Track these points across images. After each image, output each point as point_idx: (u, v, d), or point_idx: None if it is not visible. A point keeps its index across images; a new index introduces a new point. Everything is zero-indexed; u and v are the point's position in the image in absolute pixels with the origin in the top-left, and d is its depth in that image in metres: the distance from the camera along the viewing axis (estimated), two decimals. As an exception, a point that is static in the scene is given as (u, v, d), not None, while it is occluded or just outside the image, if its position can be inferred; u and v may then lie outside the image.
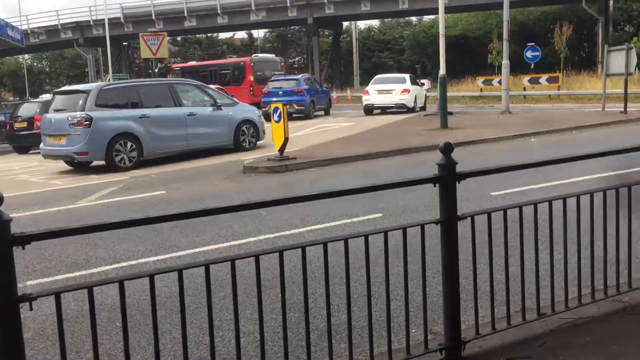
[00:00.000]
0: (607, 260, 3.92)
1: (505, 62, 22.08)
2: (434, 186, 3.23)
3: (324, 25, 54.16)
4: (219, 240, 6.46)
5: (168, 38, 29.33)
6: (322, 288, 3.11)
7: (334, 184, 9.65)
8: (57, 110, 13.31)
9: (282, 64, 41.99)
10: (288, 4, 47.05)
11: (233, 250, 6.08)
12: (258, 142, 15.57)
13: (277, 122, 11.61)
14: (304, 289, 2.98)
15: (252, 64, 38.74)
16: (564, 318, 3.72)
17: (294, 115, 24.02)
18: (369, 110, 26.35)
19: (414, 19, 72.84)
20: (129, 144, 12.96)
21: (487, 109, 26.66)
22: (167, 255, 6.02)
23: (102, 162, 13.10)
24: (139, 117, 13.14)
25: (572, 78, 35.34)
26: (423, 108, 27.37)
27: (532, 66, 32.50)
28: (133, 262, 5.87)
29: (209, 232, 6.80)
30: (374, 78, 28.68)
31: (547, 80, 32.16)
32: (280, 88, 26.44)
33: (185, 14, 49.07)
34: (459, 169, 3.28)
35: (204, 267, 2.75)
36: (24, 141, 20.61)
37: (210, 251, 6.05)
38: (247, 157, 13.31)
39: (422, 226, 3.26)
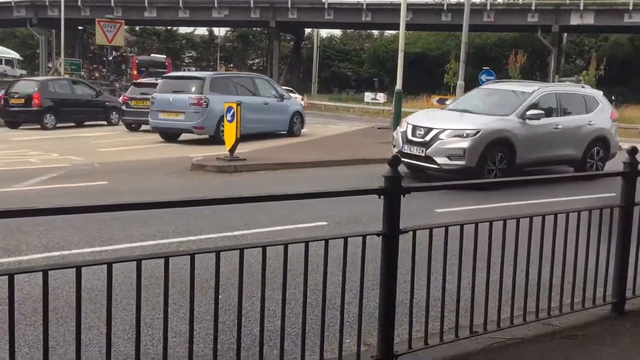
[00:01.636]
0: (540, 283, 4.00)
1: (460, 83, 22.52)
2: (379, 198, 3.22)
3: (287, 29, 54.20)
4: (158, 237, 6.30)
5: (126, 27, 28.70)
6: (261, 292, 3.04)
7: (282, 189, 9.59)
8: (174, 92, 15.92)
9: (167, 62, 41.81)
10: (251, 5, 46.85)
11: (172, 247, 5.94)
12: (302, 130, 19.13)
13: (230, 121, 11.48)
14: (239, 292, 2.91)
15: (137, 61, 40.50)
16: (495, 337, 3.77)
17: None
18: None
19: (375, 32, 73.76)
20: None
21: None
22: (103, 248, 5.83)
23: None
24: (238, 102, 14.56)
25: (522, 104, 36.34)
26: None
27: (485, 89, 33.26)
28: (66, 252, 5.67)
29: (149, 227, 6.63)
30: None
31: (498, 104, 32.98)
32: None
33: (146, 4, 48.19)
34: (404, 182, 3.28)
35: (135, 262, 2.63)
36: (18, 117, 20.92)
37: (149, 246, 5.90)
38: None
39: (364, 237, 3.24)
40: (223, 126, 14.42)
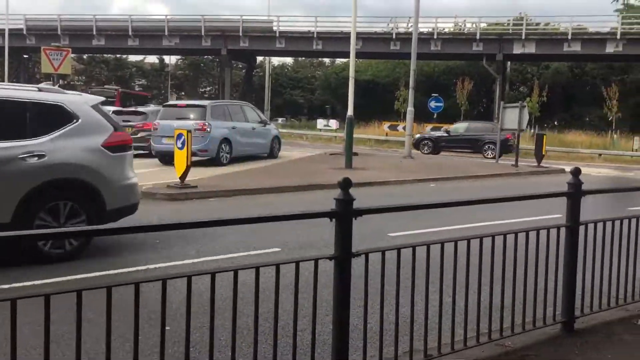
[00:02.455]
0: (492, 304, 4.02)
1: (410, 109, 22.95)
2: (330, 221, 3.18)
3: (238, 57, 54.25)
4: (103, 268, 6.08)
5: (73, 55, 28.15)
6: (210, 321, 2.94)
7: (233, 215, 9.46)
8: (178, 119, 17.36)
9: (117, 92, 41.29)
10: (202, 33, 46.76)
11: (120, 278, 5.73)
12: (279, 153, 21.26)
13: (181, 149, 11.31)
14: (187, 322, 2.80)
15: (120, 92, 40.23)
16: (449, 361, 3.75)
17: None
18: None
19: (326, 60, 74.74)
20: (227, 146, 17.81)
21: (390, 153, 27.49)
22: (44, 281, 5.57)
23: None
24: (232, 128, 18.19)
25: (470, 130, 37.28)
26: None
27: (435, 116, 34.01)
28: None
29: (93, 258, 6.40)
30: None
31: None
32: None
33: (94, 32, 47.48)
34: (359, 207, 3.25)
35: (75, 293, 2.50)
36: None
37: (93, 278, 5.68)
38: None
39: (316, 261, 3.19)
40: (222, 149, 17.55)
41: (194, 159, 16.55)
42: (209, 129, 17.20)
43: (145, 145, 18.92)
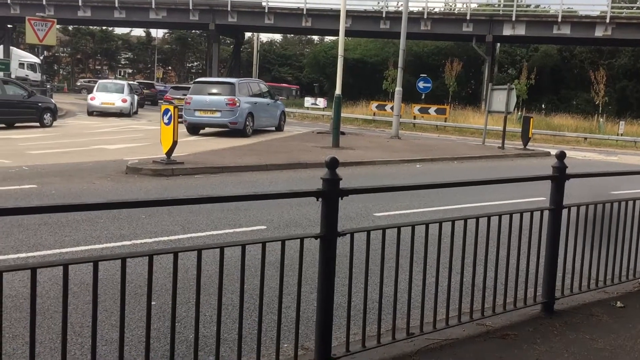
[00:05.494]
0: (474, 284, 4.08)
1: (398, 89, 22.91)
2: (317, 200, 3.20)
3: (226, 32, 53.67)
4: (90, 242, 6.07)
5: (58, 26, 27.70)
6: (195, 297, 2.96)
7: (220, 192, 9.46)
8: (210, 94, 19.44)
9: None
10: (190, 7, 46.12)
11: (105, 252, 5.74)
12: (285, 128, 23.49)
13: (167, 124, 11.23)
14: (173, 297, 2.82)
15: None
16: (431, 339, 3.82)
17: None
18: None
19: (315, 38, 74.22)
20: (251, 120, 19.72)
21: (378, 133, 27.51)
22: (30, 254, 5.56)
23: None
24: (254, 103, 20.24)
25: (458, 112, 37.40)
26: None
27: (423, 96, 34.00)
28: (-11, 259, 5.37)
29: (81, 231, 6.40)
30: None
31: (435, 111, 33.77)
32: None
33: (80, 3, 46.61)
34: (345, 187, 3.27)
35: (62, 267, 2.50)
36: None
37: (80, 252, 5.68)
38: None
39: (302, 240, 3.22)
40: (248, 122, 19.51)
41: (220, 130, 20.07)
42: (238, 104, 19.04)
43: None
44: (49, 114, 21.39)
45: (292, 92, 47.43)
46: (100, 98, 28.30)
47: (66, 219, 6.69)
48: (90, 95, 29.29)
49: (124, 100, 28.55)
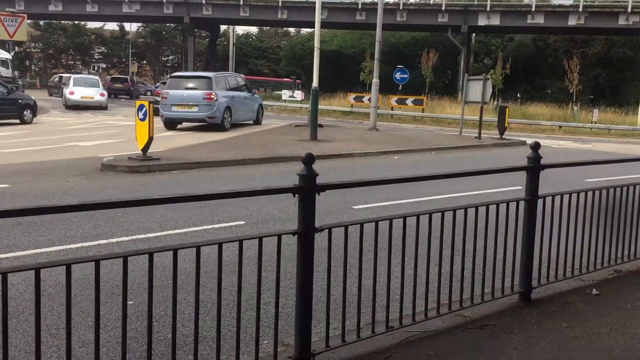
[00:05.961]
0: (452, 276, 4.10)
1: (375, 81, 22.94)
2: (294, 196, 3.18)
3: (201, 26, 53.26)
4: (65, 241, 5.98)
5: (29, 21, 27.23)
6: (179, 296, 2.93)
7: (197, 189, 9.39)
8: (186, 89, 19.33)
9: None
10: (164, 0, 45.62)
11: (81, 252, 5.66)
12: (263, 121, 23.51)
13: (142, 120, 11.10)
14: (149, 296, 2.79)
15: None
16: (410, 331, 3.83)
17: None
18: None
19: (292, 30, 73.95)
20: (229, 113, 19.75)
21: (356, 124, 27.53)
22: (3, 255, 5.46)
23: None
24: (232, 97, 20.23)
25: (435, 102, 37.61)
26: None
27: (400, 87, 34.10)
28: (-38, 262, 5.27)
29: (56, 231, 6.30)
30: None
31: (413, 102, 33.91)
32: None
33: (51, -3, 45.91)
34: (323, 180, 3.26)
35: (33, 270, 2.45)
36: None
37: (55, 252, 5.59)
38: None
39: (279, 236, 3.20)
40: (226, 116, 19.41)
41: (198, 125, 19.92)
42: (216, 98, 19.03)
43: None
44: (29, 111, 21.49)
45: (296, 85, 46.40)
46: (79, 92, 29.67)
47: (40, 219, 6.58)
48: (68, 90, 30.11)
49: (102, 95, 30.69)
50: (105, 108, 30.15)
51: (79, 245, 5.88)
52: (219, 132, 18.86)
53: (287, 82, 53.60)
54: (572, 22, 41.41)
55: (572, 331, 4.02)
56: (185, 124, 20.63)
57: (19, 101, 21.48)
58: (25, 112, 21.31)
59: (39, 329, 2.47)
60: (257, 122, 22.83)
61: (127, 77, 53.81)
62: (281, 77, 61.47)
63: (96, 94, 30.22)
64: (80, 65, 79.33)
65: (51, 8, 47.07)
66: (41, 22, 68.05)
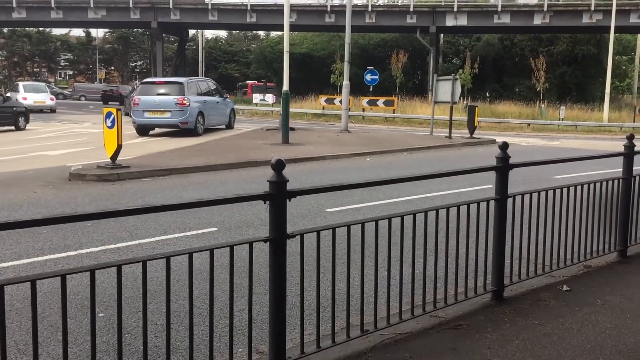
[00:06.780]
0: (426, 277, 4.12)
1: (345, 83, 22.99)
2: (264, 203, 3.16)
3: (169, 30, 52.75)
4: (33, 254, 5.85)
5: (-8, 28, 26.68)
6: (151, 307, 2.88)
7: (168, 196, 9.28)
8: (158, 94, 19.30)
9: None
10: (131, 5, 45.07)
11: (49, 264, 5.54)
12: (235, 125, 23.65)
13: (110, 127, 10.93)
14: (118, 309, 2.74)
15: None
16: (385, 334, 3.83)
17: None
18: None
19: (261, 33, 73.70)
20: (202, 118, 19.78)
21: (327, 127, 27.56)
22: (-32, 271, 5.32)
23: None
24: (204, 102, 20.34)
25: (406, 103, 37.84)
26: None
27: (371, 89, 34.25)
28: None
29: (22, 244, 6.16)
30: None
31: (384, 103, 34.08)
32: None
33: (14, 5, 44.99)
34: (296, 184, 3.24)
35: (-3, 288, 2.38)
36: None
37: (22, 266, 5.46)
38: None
39: (251, 244, 3.17)
40: (199, 121, 19.57)
41: (171, 130, 20.01)
42: (188, 103, 19.13)
43: None
44: (22, 118, 22.33)
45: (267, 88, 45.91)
46: (32, 97, 32.95)
47: (6, 232, 6.42)
48: (21, 96, 32.01)
49: (52, 99, 35.04)
50: (55, 111, 33.60)
51: (47, 257, 5.76)
52: (192, 137, 18.80)
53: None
54: (537, 21, 42.08)
55: (544, 328, 4.06)
56: (157, 130, 20.49)
57: (14, 109, 22.33)
58: (20, 119, 22.13)
59: (4, 345, 2.40)
60: (229, 126, 22.93)
61: (117, 86, 54.78)
62: (248, 80, 61.28)
63: (46, 98, 34.19)
64: (46, 73, 77.96)
65: (15, 15, 46.14)
66: (5, 30, 66.72)
